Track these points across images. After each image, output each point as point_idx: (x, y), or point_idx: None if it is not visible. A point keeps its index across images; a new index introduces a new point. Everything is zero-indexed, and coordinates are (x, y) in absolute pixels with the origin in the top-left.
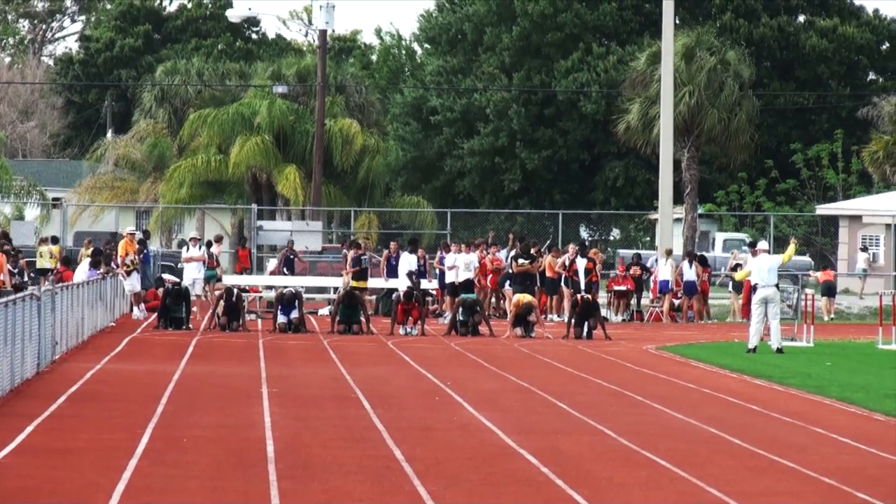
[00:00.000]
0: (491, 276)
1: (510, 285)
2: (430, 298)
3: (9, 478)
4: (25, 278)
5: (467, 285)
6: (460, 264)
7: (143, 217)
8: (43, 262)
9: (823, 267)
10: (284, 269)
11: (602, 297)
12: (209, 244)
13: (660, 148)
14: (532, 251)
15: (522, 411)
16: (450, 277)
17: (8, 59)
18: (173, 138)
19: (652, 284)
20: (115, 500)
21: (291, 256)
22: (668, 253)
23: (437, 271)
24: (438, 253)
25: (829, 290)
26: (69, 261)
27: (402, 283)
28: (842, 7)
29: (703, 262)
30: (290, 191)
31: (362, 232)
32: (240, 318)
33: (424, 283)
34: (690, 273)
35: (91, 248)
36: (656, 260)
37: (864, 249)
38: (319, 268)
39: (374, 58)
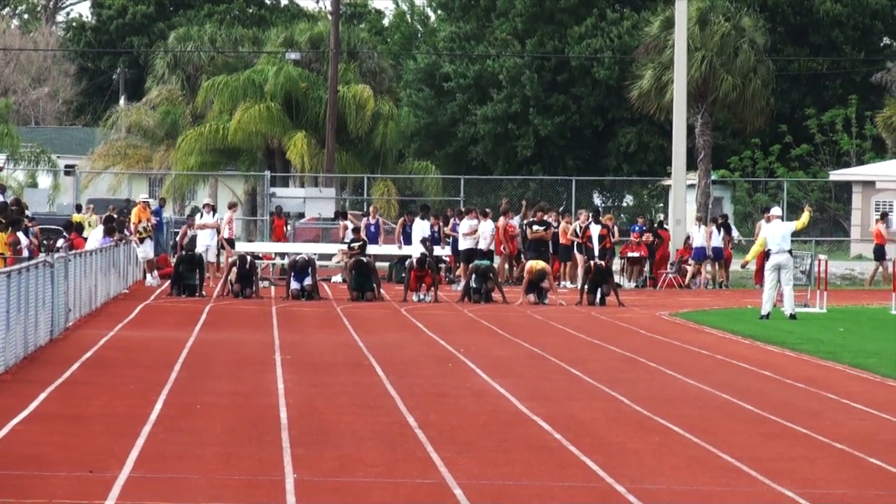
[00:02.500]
0: (507, 242)
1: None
2: (443, 265)
3: (22, 444)
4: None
5: (484, 253)
6: (484, 231)
7: (157, 184)
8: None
9: (881, 216)
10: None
11: (615, 264)
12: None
13: (673, 114)
14: (547, 218)
15: (535, 378)
16: (463, 244)
17: (16, 25)
18: (186, 105)
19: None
20: (129, 466)
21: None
22: (700, 220)
23: (451, 238)
24: (451, 220)
25: (880, 253)
26: (81, 228)
27: (415, 250)
28: None
29: (726, 228)
30: (301, 158)
31: (381, 199)
32: (253, 286)
33: (437, 250)
34: (718, 239)
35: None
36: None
37: None
38: (332, 234)
39: (385, 22)
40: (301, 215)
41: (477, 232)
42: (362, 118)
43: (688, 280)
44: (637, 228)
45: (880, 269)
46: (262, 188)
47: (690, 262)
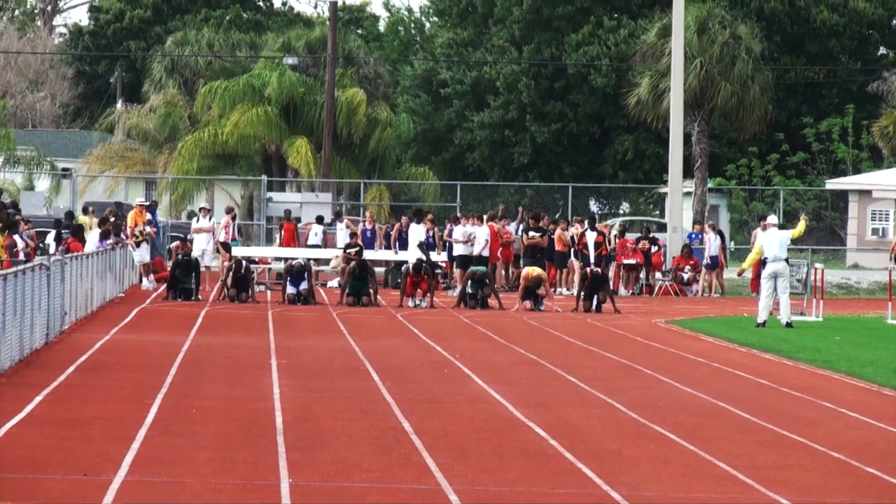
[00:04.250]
0: (502, 249)
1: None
2: (439, 271)
3: (17, 447)
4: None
5: (480, 258)
6: (479, 237)
7: (154, 188)
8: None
9: None
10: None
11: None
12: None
13: (670, 122)
14: (541, 224)
15: (531, 384)
16: (458, 250)
17: (16, 29)
18: (185, 110)
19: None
20: (124, 470)
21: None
22: (713, 227)
23: (447, 244)
24: (448, 226)
25: None
26: (78, 231)
27: (412, 255)
28: None
29: (720, 236)
30: (300, 163)
31: (373, 204)
32: (249, 290)
33: (434, 256)
34: (717, 247)
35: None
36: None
37: None
38: (329, 239)
39: (381, 27)
40: (297, 220)
41: (471, 238)
42: (356, 122)
43: (700, 287)
44: (693, 237)
45: None
46: (259, 193)
47: (687, 269)
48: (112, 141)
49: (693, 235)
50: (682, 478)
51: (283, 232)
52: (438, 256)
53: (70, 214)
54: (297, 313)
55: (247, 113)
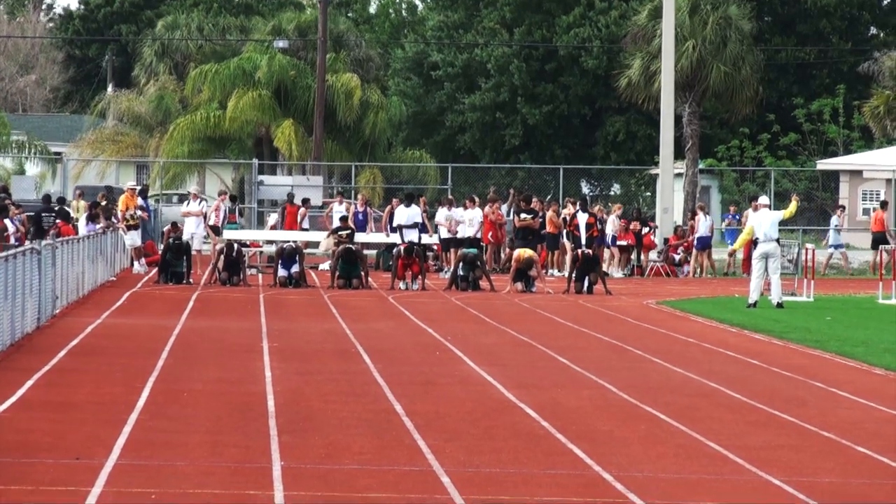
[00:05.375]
0: (492, 231)
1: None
2: (430, 253)
3: (9, 431)
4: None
5: (472, 241)
6: (465, 220)
7: (145, 172)
8: (77, 216)
9: (882, 204)
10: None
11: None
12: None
13: (661, 103)
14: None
15: (523, 366)
16: (444, 232)
17: (5, 13)
18: (175, 93)
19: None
20: (116, 453)
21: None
22: (703, 209)
23: (437, 226)
24: (439, 208)
25: (882, 240)
26: (68, 215)
27: (395, 237)
28: None
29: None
30: (290, 146)
31: (366, 187)
32: (240, 273)
33: (425, 238)
34: (706, 228)
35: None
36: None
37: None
38: (320, 222)
39: (372, 10)
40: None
41: (452, 222)
42: (350, 107)
43: (692, 267)
44: (730, 216)
45: (884, 255)
46: (250, 176)
47: (679, 250)
48: (104, 125)
49: (728, 216)
50: (674, 458)
51: (285, 215)
52: (431, 239)
53: (47, 198)
54: (288, 296)
55: (244, 97)
